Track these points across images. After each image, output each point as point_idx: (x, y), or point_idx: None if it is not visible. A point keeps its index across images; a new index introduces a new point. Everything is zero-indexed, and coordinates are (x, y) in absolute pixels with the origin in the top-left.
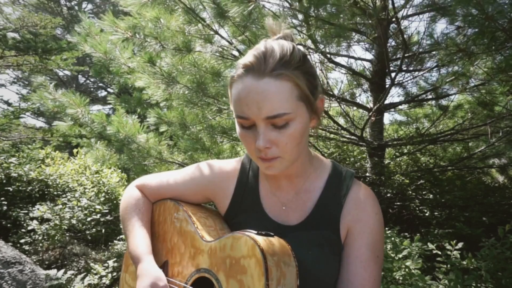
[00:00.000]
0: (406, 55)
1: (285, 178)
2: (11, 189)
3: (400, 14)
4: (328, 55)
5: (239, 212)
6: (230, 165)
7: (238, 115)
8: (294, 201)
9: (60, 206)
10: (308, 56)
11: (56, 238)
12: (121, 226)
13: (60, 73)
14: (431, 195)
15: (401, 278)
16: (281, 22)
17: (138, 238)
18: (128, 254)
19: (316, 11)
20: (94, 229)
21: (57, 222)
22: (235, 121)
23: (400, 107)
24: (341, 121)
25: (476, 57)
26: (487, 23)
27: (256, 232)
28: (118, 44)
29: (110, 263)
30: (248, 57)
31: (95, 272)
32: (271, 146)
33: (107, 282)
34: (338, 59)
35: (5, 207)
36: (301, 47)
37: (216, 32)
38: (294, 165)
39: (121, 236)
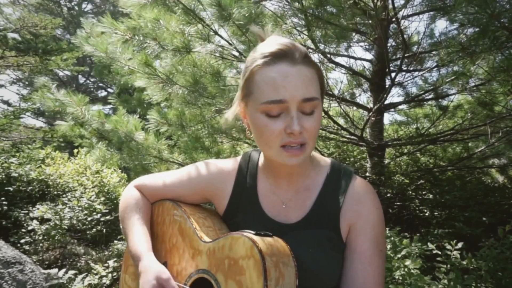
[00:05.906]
0: (406, 55)
1: (286, 177)
2: (11, 189)
3: (400, 14)
4: (328, 55)
5: (237, 212)
6: (228, 165)
7: (270, 100)
8: (294, 199)
9: (61, 206)
10: None
11: (56, 238)
12: (120, 226)
13: (60, 73)
14: (431, 195)
15: (400, 278)
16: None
17: (138, 236)
18: (128, 253)
19: (316, 11)
20: (94, 229)
21: (57, 222)
22: (254, 114)
23: (400, 107)
24: (341, 121)
25: (478, 56)
26: (488, 22)
27: (254, 232)
28: (119, 45)
29: (110, 263)
30: (273, 47)
31: (95, 272)
32: (303, 131)
33: (107, 282)
34: (338, 59)
35: (5, 207)
36: None
37: (216, 33)
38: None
39: (121, 236)
